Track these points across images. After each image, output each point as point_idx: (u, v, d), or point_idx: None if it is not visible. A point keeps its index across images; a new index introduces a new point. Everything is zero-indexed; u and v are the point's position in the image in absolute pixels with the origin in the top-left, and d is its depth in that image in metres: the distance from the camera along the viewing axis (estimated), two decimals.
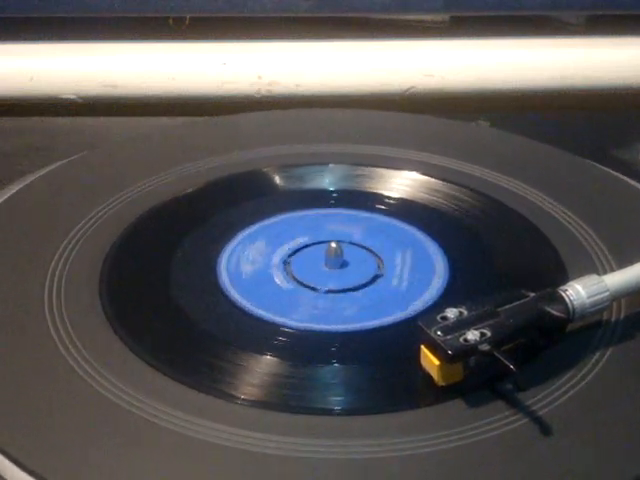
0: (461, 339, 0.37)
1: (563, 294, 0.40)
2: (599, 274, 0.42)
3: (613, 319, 0.42)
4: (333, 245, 0.47)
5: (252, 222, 0.51)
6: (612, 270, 0.45)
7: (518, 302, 0.40)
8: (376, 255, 0.48)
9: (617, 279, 0.41)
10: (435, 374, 0.38)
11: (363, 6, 0.76)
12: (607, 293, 0.40)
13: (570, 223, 0.50)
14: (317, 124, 0.62)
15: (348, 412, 0.38)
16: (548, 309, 0.40)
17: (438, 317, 0.39)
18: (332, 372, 0.40)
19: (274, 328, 0.43)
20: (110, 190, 0.52)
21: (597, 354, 0.40)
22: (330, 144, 0.59)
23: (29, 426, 0.36)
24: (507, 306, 0.39)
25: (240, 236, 0.49)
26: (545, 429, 0.36)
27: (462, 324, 0.38)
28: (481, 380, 0.38)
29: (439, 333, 0.38)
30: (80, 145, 0.63)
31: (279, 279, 0.46)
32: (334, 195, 0.54)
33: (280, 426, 0.37)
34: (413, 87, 0.73)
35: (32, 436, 0.36)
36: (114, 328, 0.42)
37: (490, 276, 0.46)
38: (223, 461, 0.35)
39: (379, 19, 0.80)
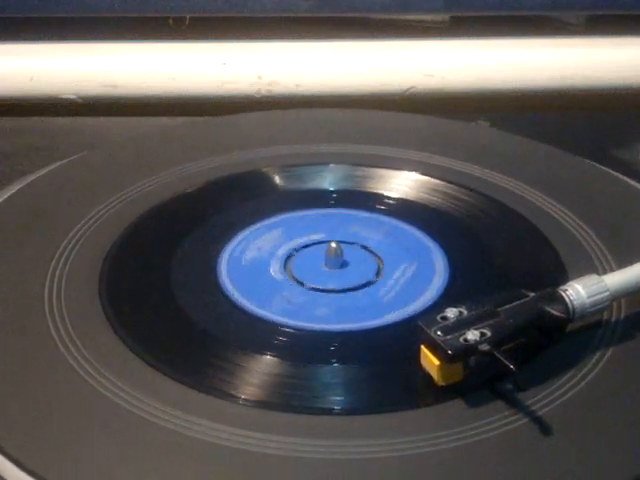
0: (461, 339, 0.37)
1: (563, 294, 0.40)
2: (599, 274, 0.42)
3: (613, 319, 0.42)
4: (333, 245, 0.47)
5: (252, 222, 0.51)
6: (612, 270, 0.45)
7: (518, 302, 0.40)
8: (376, 255, 0.48)
9: (617, 279, 0.41)
10: (435, 374, 0.38)
11: (363, 6, 0.76)
12: (607, 293, 0.40)
13: (570, 223, 0.50)
14: (317, 124, 0.62)
15: (348, 412, 0.38)
16: (548, 309, 0.40)
17: (438, 317, 0.39)
18: (332, 372, 0.40)
19: (274, 328, 0.43)
20: (110, 190, 0.52)
21: (597, 354, 0.40)
22: (330, 144, 0.59)
23: (29, 426, 0.36)
24: (507, 306, 0.39)
25: (240, 236, 0.49)
26: (545, 429, 0.36)
27: (462, 324, 0.38)
28: (481, 380, 0.38)
29: (439, 333, 0.38)
30: (80, 145, 0.63)
31: (279, 279, 0.46)
32: (334, 195, 0.54)
33: (280, 426, 0.37)
34: (413, 87, 0.73)
35: (32, 436, 0.36)
36: (114, 328, 0.42)
37: (490, 276, 0.46)
38: (223, 461, 0.35)
39: (379, 19, 0.80)
